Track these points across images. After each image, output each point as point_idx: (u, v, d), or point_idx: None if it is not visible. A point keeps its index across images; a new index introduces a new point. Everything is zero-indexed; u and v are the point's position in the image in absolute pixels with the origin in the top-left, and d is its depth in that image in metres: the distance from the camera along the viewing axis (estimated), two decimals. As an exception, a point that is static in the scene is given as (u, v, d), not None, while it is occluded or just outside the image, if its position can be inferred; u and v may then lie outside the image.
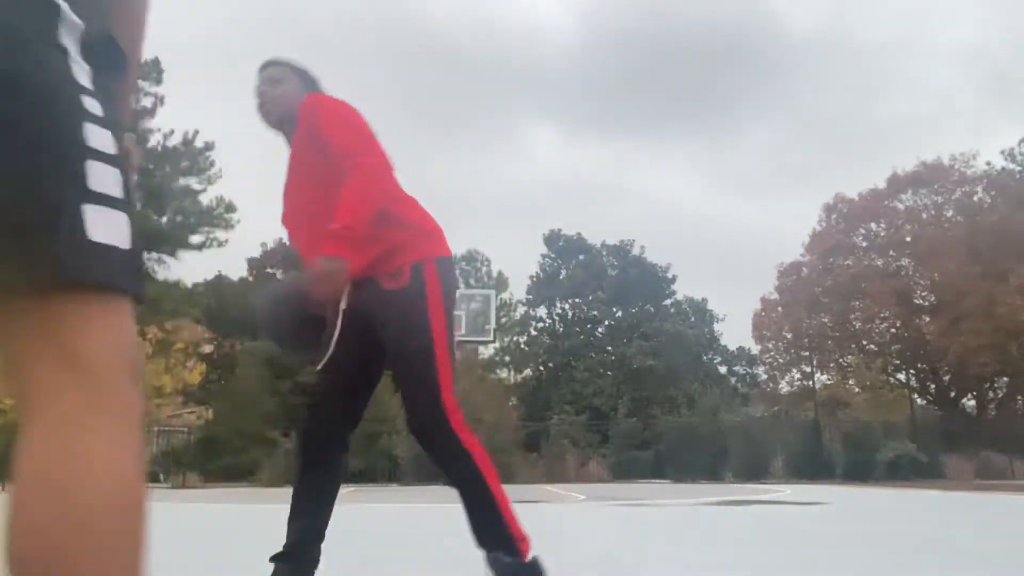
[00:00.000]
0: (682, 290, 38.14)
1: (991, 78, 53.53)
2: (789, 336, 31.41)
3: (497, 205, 64.71)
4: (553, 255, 37.90)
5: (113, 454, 0.68)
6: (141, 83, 27.78)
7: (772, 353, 33.00)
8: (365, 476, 20.97)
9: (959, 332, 26.01)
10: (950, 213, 30.07)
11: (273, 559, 1.94)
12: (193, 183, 29.13)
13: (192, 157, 28.77)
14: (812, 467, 19.86)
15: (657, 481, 20.06)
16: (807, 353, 29.15)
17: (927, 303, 30.14)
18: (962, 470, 19.68)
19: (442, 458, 1.88)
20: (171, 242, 28.44)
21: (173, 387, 21.44)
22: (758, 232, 60.96)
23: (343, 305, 1.91)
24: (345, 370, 1.98)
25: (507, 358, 35.47)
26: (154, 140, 28.14)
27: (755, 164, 63.51)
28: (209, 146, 29.02)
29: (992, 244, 26.42)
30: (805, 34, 63.62)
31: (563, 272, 37.11)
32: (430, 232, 2.02)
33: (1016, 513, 6.19)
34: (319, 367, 1.98)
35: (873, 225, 31.34)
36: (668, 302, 37.49)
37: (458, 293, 2.15)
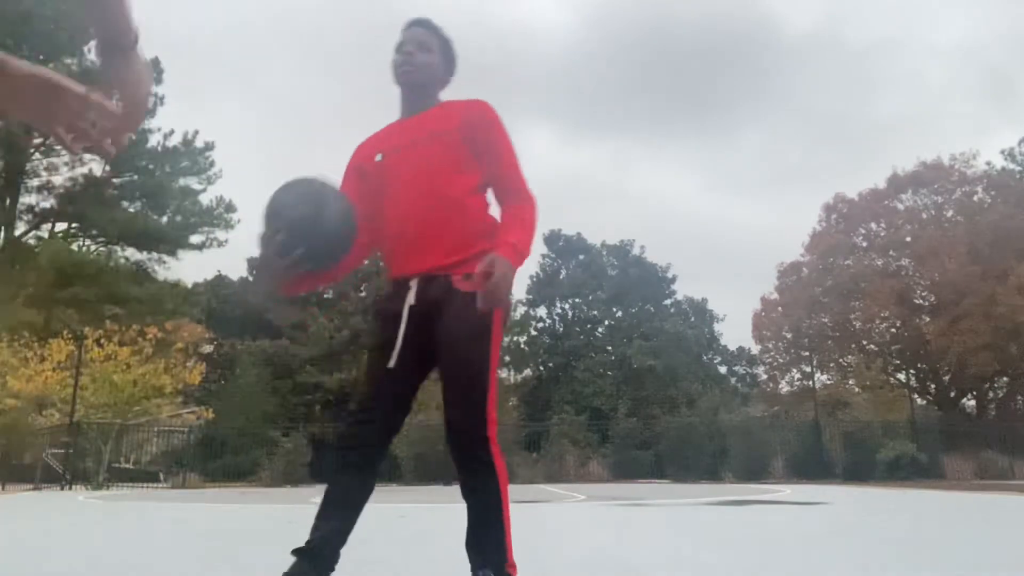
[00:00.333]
0: (682, 290, 38.17)
1: (986, 77, 53.59)
2: (789, 336, 31.42)
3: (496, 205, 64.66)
4: (553, 255, 37.90)
5: None
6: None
7: (772, 353, 33.03)
8: (365, 476, 20.96)
9: (959, 332, 26.02)
10: (950, 213, 30.08)
11: (295, 553, 1.89)
12: (193, 183, 29.14)
13: (192, 157, 28.76)
14: (812, 467, 19.85)
15: (657, 481, 20.05)
16: (807, 353, 29.15)
17: (927, 303, 30.15)
18: (962, 470, 19.68)
19: (470, 466, 1.87)
20: (171, 242, 28.45)
21: (173, 387, 21.40)
22: (758, 232, 60.99)
23: (411, 301, 1.89)
24: (403, 372, 1.93)
25: (507, 358, 35.48)
26: (154, 140, 28.15)
27: (754, 164, 63.53)
28: (209, 146, 29.02)
29: (992, 244, 26.42)
30: (802, 34, 63.62)
31: (563, 272, 37.11)
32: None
33: (1016, 513, 6.19)
34: (390, 364, 1.91)
35: (873, 225, 31.35)
36: (668, 302, 37.48)
37: None
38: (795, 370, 32.10)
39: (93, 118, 1.01)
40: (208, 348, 32.23)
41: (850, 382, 32.18)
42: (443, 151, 1.95)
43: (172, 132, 28.39)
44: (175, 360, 22.37)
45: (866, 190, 31.17)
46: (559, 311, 37.27)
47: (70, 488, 16.14)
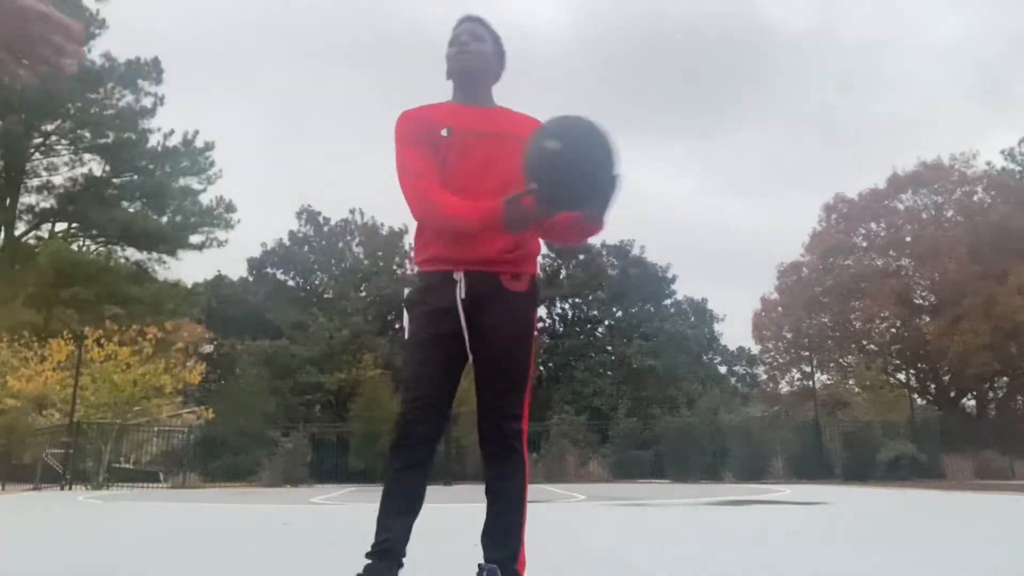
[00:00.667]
0: (682, 290, 38.14)
1: (983, 77, 53.63)
2: (789, 336, 31.42)
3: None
4: (553, 255, 37.90)
5: None
6: (141, 83, 27.78)
7: (772, 353, 33.03)
8: (365, 476, 20.95)
9: (959, 332, 26.02)
10: (950, 213, 30.07)
11: (371, 555, 1.90)
12: (193, 183, 29.16)
13: (192, 157, 28.77)
14: (812, 467, 19.85)
15: (657, 481, 20.06)
16: (807, 353, 29.15)
17: (927, 303, 30.16)
18: (962, 470, 19.68)
19: (504, 454, 1.93)
20: (171, 242, 28.46)
21: (173, 387, 21.39)
22: (758, 232, 60.99)
23: (461, 295, 1.92)
24: (452, 365, 1.95)
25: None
26: (154, 140, 28.18)
27: (754, 164, 63.54)
28: (209, 146, 29.04)
29: (992, 244, 26.42)
30: (798, 34, 63.63)
31: (563, 272, 37.11)
32: (537, 254, 2.09)
33: (1016, 513, 6.19)
34: (468, 359, 1.94)
35: (873, 225, 31.35)
36: (668, 302, 37.46)
37: None
38: (795, 370, 32.11)
39: (59, 41, 0.93)
40: (208, 348, 32.23)
41: (850, 382, 32.17)
42: (518, 154, 1.97)
43: (172, 132, 28.40)
44: (175, 360, 22.36)
45: (866, 190, 31.18)
46: (559, 311, 37.28)
47: (70, 488, 16.13)
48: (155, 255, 28.90)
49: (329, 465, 21.55)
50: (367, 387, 26.61)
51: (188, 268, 50.81)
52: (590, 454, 22.98)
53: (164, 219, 28.59)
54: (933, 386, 30.86)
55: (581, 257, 37.16)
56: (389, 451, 1.95)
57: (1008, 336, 25.76)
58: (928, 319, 29.40)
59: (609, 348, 35.27)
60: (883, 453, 19.31)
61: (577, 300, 36.95)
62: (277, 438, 21.14)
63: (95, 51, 27.65)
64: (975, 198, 29.65)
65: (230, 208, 29.33)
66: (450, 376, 1.95)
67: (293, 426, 22.49)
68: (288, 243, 37.03)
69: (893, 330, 31.03)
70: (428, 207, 1.95)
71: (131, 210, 28.08)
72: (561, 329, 36.46)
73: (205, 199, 29.20)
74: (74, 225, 28.13)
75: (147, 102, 27.93)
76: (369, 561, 1.88)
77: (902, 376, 31.62)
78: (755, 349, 34.62)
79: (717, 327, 38.27)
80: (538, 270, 2.05)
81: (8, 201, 26.94)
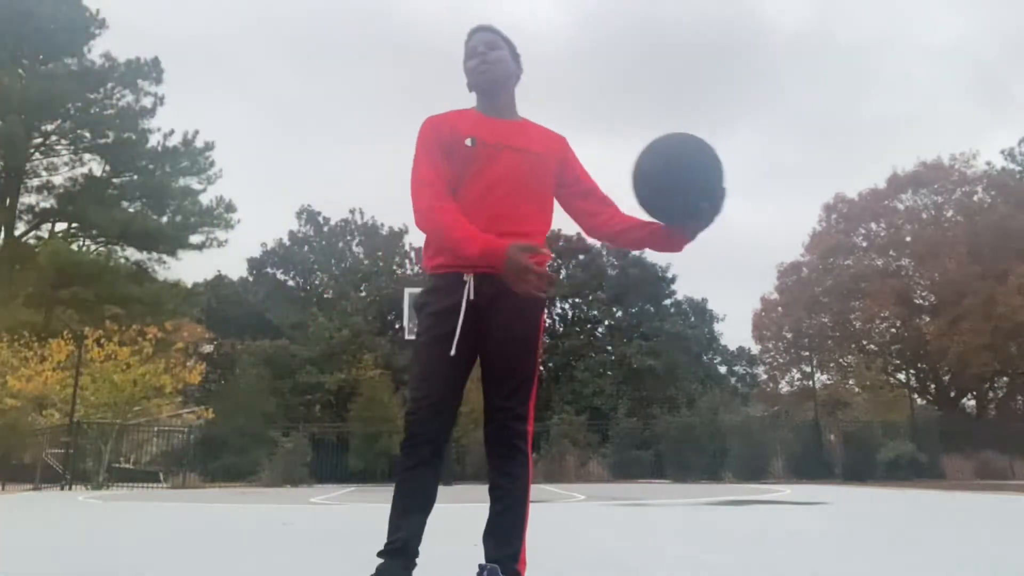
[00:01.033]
0: (682, 290, 38.10)
1: (980, 77, 53.65)
2: (789, 336, 31.41)
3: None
4: (553, 255, 37.87)
5: None
6: (141, 83, 27.79)
7: (772, 353, 33.02)
8: (365, 476, 20.95)
9: (959, 332, 26.01)
10: (950, 213, 30.06)
11: (383, 554, 1.89)
12: (193, 183, 29.15)
13: (192, 157, 28.76)
14: (812, 467, 19.84)
15: (657, 481, 20.05)
16: (807, 353, 29.15)
17: (927, 303, 30.15)
18: (962, 470, 19.67)
19: (506, 457, 1.96)
20: (171, 242, 28.46)
21: (173, 387, 21.39)
22: (758, 232, 60.99)
23: (470, 296, 1.95)
24: (460, 363, 1.97)
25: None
26: (154, 140, 28.18)
27: (754, 163, 63.56)
28: (209, 146, 29.03)
29: (992, 244, 26.41)
30: (794, 33, 63.63)
31: (563, 272, 37.10)
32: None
33: (1016, 513, 6.19)
34: (449, 354, 1.94)
35: (873, 225, 31.35)
36: (668, 302, 37.44)
37: None
38: (795, 370, 32.11)
39: None
40: (208, 348, 32.22)
41: (850, 382, 32.17)
42: (541, 170, 2.08)
43: (172, 132, 28.39)
44: (175, 360, 22.35)
45: (866, 190, 31.18)
46: (559, 311, 37.26)
47: (70, 488, 16.13)
48: (155, 255, 28.91)
49: (329, 465, 21.54)
50: (367, 387, 26.60)
51: (188, 268, 50.82)
52: (590, 454, 22.96)
53: (164, 219, 28.58)
54: (933, 386, 30.86)
55: (581, 257, 37.15)
56: (400, 450, 1.96)
57: (1008, 336, 25.75)
58: (928, 319, 29.39)
59: (609, 348, 35.25)
60: (883, 453, 19.30)
61: (577, 300, 36.93)
62: (277, 438, 21.12)
63: (95, 51, 27.69)
64: (975, 198, 29.63)
65: (230, 208, 29.33)
66: (457, 375, 1.97)
67: (293, 426, 22.47)
68: (288, 243, 37.03)
69: (893, 330, 31.03)
70: (435, 225, 1.97)
71: (131, 210, 28.07)
72: (561, 329, 36.44)
73: (205, 199, 29.21)
74: (74, 225, 28.12)
75: (147, 102, 27.97)
76: (382, 560, 1.88)
77: (902, 376, 31.62)
78: (755, 349, 34.64)
79: (717, 327, 38.26)
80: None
81: (8, 201, 26.93)
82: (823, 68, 62.96)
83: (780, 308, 32.03)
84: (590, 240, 38.27)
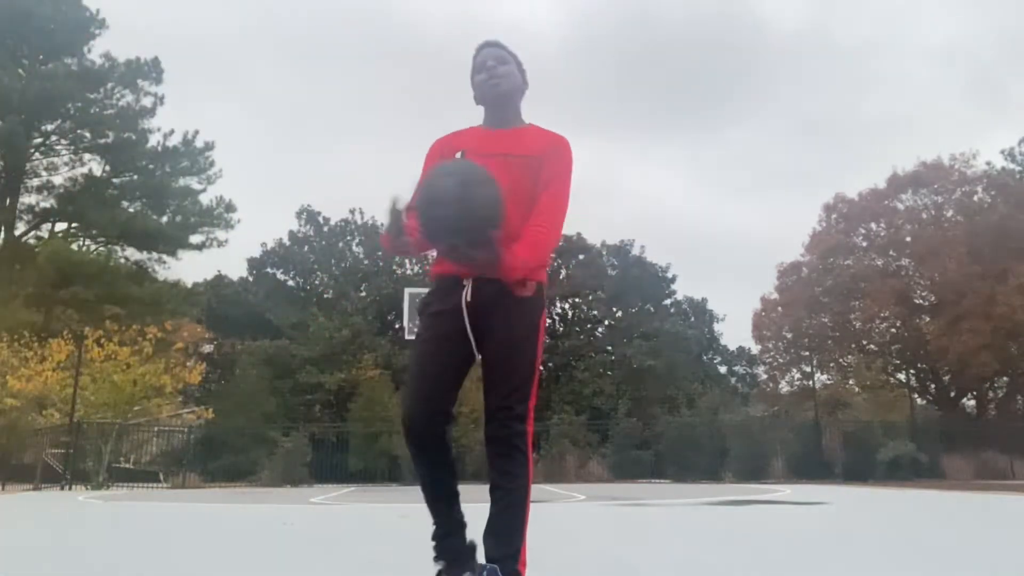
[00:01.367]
0: (682, 290, 38.11)
1: (978, 77, 53.68)
2: (789, 336, 31.39)
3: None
4: (553, 255, 37.85)
5: None
6: (141, 83, 27.79)
7: (772, 353, 32.99)
8: (365, 476, 20.95)
9: (959, 332, 26.00)
10: (950, 213, 30.05)
11: (433, 538, 2.05)
12: (193, 183, 29.14)
13: (192, 157, 28.76)
14: (812, 467, 19.85)
15: (657, 481, 20.05)
16: (807, 353, 29.14)
17: (927, 303, 30.14)
18: (962, 470, 19.67)
19: (505, 457, 1.98)
20: (171, 242, 28.44)
21: (173, 387, 21.39)
22: (758, 232, 60.99)
23: (468, 299, 2.00)
24: (456, 362, 2.03)
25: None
26: (154, 140, 28.17)
27: (754, 163, 63.56)
28: (209, 146, 29.02)
29: (992, 244, 26.40)
30: (794, 33, 63.65)
31: (563, 272, 37.09)
32: (546, 266, 2.18)
33: (1016, 513, 6.19)
34: (476, 356, 2.02)
35: (873, 225, 31.33)
36: (668, 302, 37.44)
37: None
38: (795, 370, 32.08)
39: None
40: (208, 348, 32.22)
41: (850, 382, 32.16)
42: (525, 175, 2.09)
43: (172, 132, 28.37)
44: (175, 360, 22.35)
45: (866, 190, 31.16)
46: (559, 311, 37.25)
47: (70, 488, 16.13)
48: (155, 255, 28.90)
49: (329, 465, 21.53)
50: (367, 387, 26.60)
51: (188, 268, 50.79)
52: (590, 454, 22.95)
53: (164, 219, 28.57)
54: (933, 386, 30.85)
55: (581, 257, 37.16)
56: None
57: (1008, 336, 25.75)
58: (928, 319, 29.38)
59: (609, 348, 35.24)
60: (883, 453, 19.31)
61: (577, 300, 36.92)
62: (277, 438, 21.13)
63: (95, 51, 27.68)
64: (975, 198, 29.62)
65: (230, 208, 29.31)
66: (452, 375, 2.01)
67: (293, 426, 22.47)
68: (288, 243, 37.02)
69: (893, 330, 31.02)
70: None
71: (131, 210, 28.05)
72: (561, 329, 36.43)
73: (205, 199, 29.19)
74: (74, 225, 28.11)
75: (147, 102, 27.96)
76: (436, 542, 2.04)
77: (902, 376, 31.60)
78: (755, 349, 34.62)
79: (717, 327, 38.27)
80: (546, 279, 2.11)
81: (8, 201, 26.93)
82: (822, 67, 63.01)
83: (780, 308, 32.01)
84: (591, 240, 38.48)
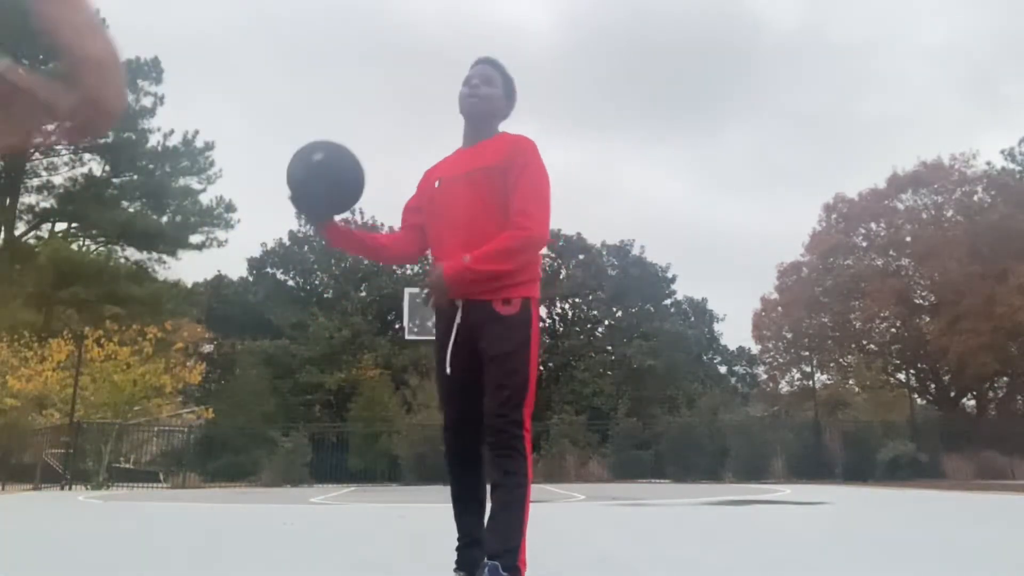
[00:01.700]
0: (682, 290, 38.12)
1: (975, 77, 53.69)
2: (789, 336, 31.37)
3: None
4: (553, 255, 37.90)
5: None
6: (141, 83, 27.78)
7: (772, 353, 32.96)
8: (365, 476, 20.95)
9: (959, 332, 25.98)
10: (950, 213, 30.03)
11: (459, 549, 2.17)
12: (193, 183, 29.13)
13: (192, 157, 28.75)
14: (812, 467, 19.84)
15: (657, 481, 20.05)
16: (807, 353, 29.12)
17: (927, 303, 30.12)
18: (962, 470, 19.64)
19: (504, 457, 2.06)
20: (171, 242, 28.45)
21: (173, 387, 21.38)
22: (758, 232, 61.00)
23: (458, 320, 2.16)
24: (464, 372, 2.17)
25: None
26: (154, 140, 28.14)
27: (754, 163, 63.55)
28: (209, 146, 29.02)
29: (992, 244, 26.39)
30: (792, 32, 63.64)
31: (563, 272, 37.10)
32: (537, 279, 2.28)
33: (1016, 513, 6.19)
34: (448, 372, 2.18)
35: (873, 225, 31.31)
36: (668, 302, 37.45)
37: None
38: (795, 370, 32.05)
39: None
40: (208, 348, 32.22)
41: (850, 382, 32.14)
42: (490, 186, 2.18)
43: (172, 132, 28.36)
44: (175, 360, 22.35)
45: (866, 190, 31.13)
46: (559, 311, 37.26)
47: (70, 488, 16.13)
48: (155, 255, 28.89)
49: (329, 465, 21.53)
50: (367, 387, 26.60)
51: (188, 268, 50.78)
52: (590, 454, 22.93)
53: (164, 219, 28.57)
54: (933, 386, 30.83)
55: (581, 257, 37.17)
56: None
57: (1008, 336, 25.73)
58: (928, 319, 29.36)
59: (609, 348, 35.24)
60: (883, 453, 19.29)
61: (577, 300, 36.93)
62: (277, 438, 21.12)
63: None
64: (975, 198, 29.59)
65: (230, 208, 29.31)
66: (468, 391, 2.16)
67: (293, 426, 22.47)
68: (288, 243, 37.02)
69: (893, 330, 30.99)
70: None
71: (131, 210, 28.05)
72: (561, 329, 36.44)
73: (205, 199, 29.19)
74: (74, 225, 28.11)
75: (147, 102, 27.95)
76: (459, 551, 2.16)
77: (902, 376, 31.57)
78: (755, 349, 34.58)
79: (717, 327, 38.27)
80: (532, 295, 2.20)
81: (8, 201, 26.93)
82: (821, 67, 63.02)
83: (780, 308, 31.98)
84: (590, 240, 38.53)
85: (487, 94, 2.27)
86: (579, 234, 37.29)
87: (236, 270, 37.47)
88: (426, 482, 18.53)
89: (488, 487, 2.16)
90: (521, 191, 2.14)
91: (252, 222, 55.57)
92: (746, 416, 25.66)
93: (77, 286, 24.27)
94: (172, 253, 28.89)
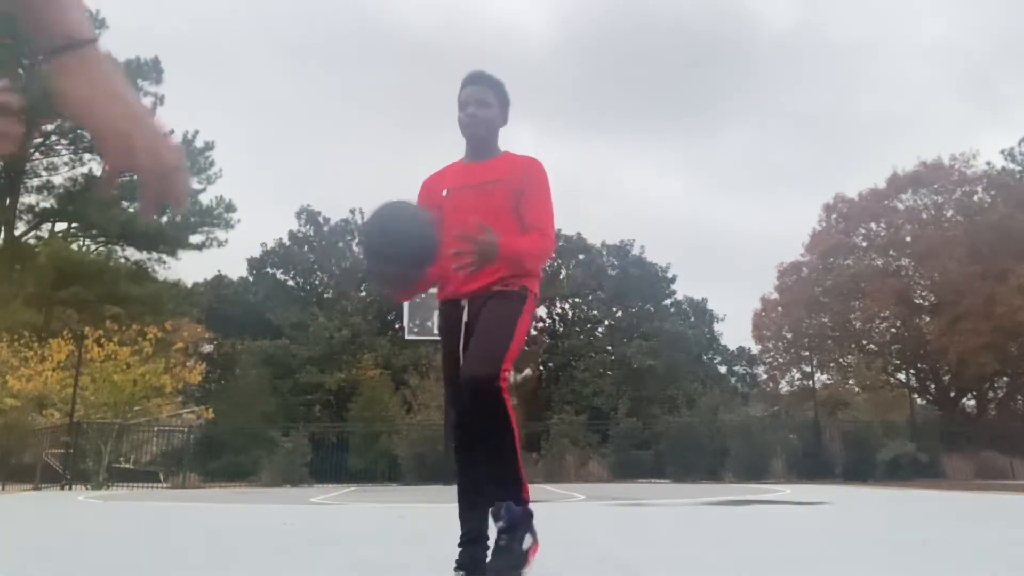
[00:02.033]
0: (682, 290, 38.13)
1: (974, 77, 53.69)
2: (789, 336, 31.38)
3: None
4: (553, 255, 37.86)
5: None
6: (141, 83, 27.78)
7: (772, 353, 32.97)
8: (365, 476, 20.94)
9: (959, 332, 25.99)
10: (950, 213, 30.03)
11: (461, 545, 2.22)
12: (193, 183, 29.12)
13: (192, 157, 28.74)
14: (812, 467, 19.84)
15: (657, 481, 20.04)
16: (807, 353, 29.13)
17: (927, 303, 30.13)
18: (962, 470, 19.65)
19: (486, 404, 2.13)
20: (171, 242, 28.45)
21: (173, 387, 21.38)
22: (758, 232, 60.99)
23: (465, 319, 2.26)
24: None
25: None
26: (154, 140, 28.11)
27: (753, 163, 63.55)
28: (209, 146, 29.03)
29: (992, 244, 26.39)
30: (791, 31, 63.62)
31: (563, 272, 37.10)
32: (537, 276, 2.41)
33: (1016, 513, 6.19)
34: (456, 365, 2.26)
35: (873, 225, 31.31)
36: (668, 302, 37.45)
37: None
38: (795, 370, 32.07)
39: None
40: (208, 348, 32.22)
41: (850, 382, 32.14)
42: (502, 195, 2.33)
43: (172, 132, 28.30)
44: (175, 360, 22.34)
45: (866, 190, 31.14)
46: (559, 311, 37.25)
47: (70, 488, 16.13)
48: (155, 255, 28.90)
49: (329, 465, 21.53)
50: (367, 387, 26.59)
51: (188, 268, 50.81)
52: (590, 454, 22.93)
53: (164, 219, 28.57)
54: (933, 386, 30.84)
55: (581, 257, 37.18)
56: None
57: (1008, 336, 25.74)
58: (928, 319, 29.38)
59: (609, 348, 35.24)
60: (883, 453, 19.29)
61: (577, 300, 36.93)
62: (277, 438, 21.12)
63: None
64: (975, 198, 29.60)
65: (230, 208, 29.32)
66: None
67: (293, 426, 22.47)
68: (288, 243, 37.02)
69: (893, 330, 31.00)
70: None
71: (131, 210, 28.04)
72: (561, 329, 36.44)
73: (205, 199, 29.19)
74: (74, 225, 28.11)
75: (147, 102, 27.95)
76: (461, 548, 2.21)
77: (902, 376, 31.58)
78: (755, 349, 34.60)
79: (717, 327, 38.27)
80: (536, 288, 2.33)
81: (8, 201, 26.93)
82: (820, 66, 63.04)
83: (780, 308, 31.99)
84: (590, 240, 38.50)
85: (485, 118, 2.38)
86: (579, 234, 37.30)
87: (236, 270, 37.51)
88: (426, 482, 18.53)
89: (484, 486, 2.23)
90: (536, 209, 2.32)
91: (252, 222, 55.61)
92: (746, 416, 25.64)
93: (77, 286, 24.27)
94: (172, 253, 28.90)
